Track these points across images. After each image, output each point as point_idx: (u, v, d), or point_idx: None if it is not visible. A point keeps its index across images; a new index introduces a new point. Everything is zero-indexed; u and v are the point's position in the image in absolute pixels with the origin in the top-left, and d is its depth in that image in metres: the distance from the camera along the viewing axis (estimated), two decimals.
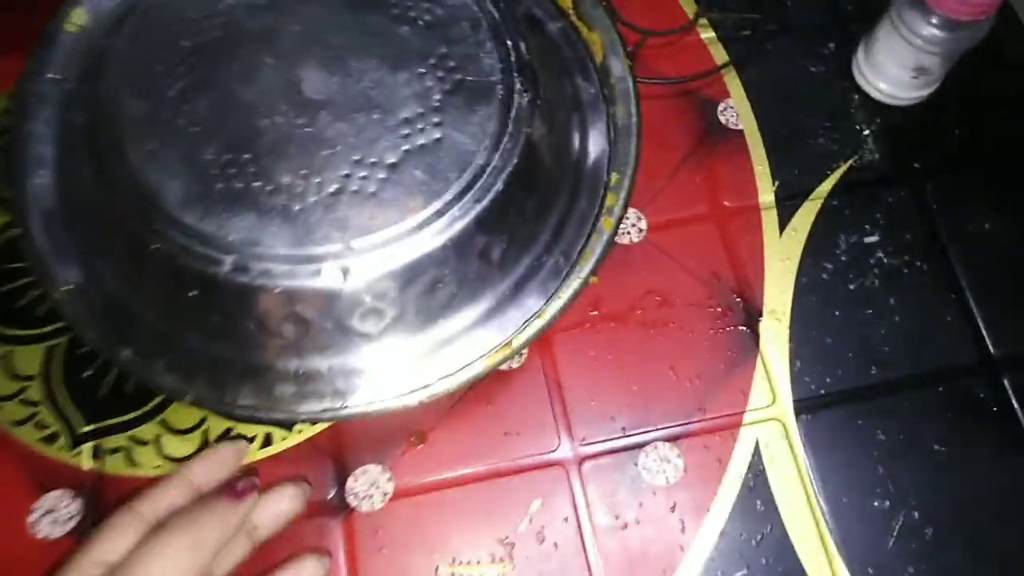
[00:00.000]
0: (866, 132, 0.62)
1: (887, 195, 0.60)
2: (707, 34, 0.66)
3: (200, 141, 0.44)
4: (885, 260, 0.58)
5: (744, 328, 0.56)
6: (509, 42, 0.47)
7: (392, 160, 0.44)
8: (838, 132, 0.62)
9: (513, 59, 0.47)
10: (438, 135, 0.45)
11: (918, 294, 0.57)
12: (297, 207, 0.43)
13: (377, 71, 0.46)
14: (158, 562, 0.39)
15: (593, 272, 0.48)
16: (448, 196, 0.43)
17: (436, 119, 0.45)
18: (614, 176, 0.50)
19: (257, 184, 0.43)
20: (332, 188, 0.43)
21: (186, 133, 0.44)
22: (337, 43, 0.47)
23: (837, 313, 0.57)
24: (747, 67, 0.64)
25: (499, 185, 0.44)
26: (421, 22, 0.48)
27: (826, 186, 0.60)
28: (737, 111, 0.63)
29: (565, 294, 0.47)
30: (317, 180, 0.43)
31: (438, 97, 0.45)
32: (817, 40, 0.66)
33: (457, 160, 0.44)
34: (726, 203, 0.60)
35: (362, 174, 0.43)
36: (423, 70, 0.46)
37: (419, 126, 0.45)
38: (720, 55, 0.65)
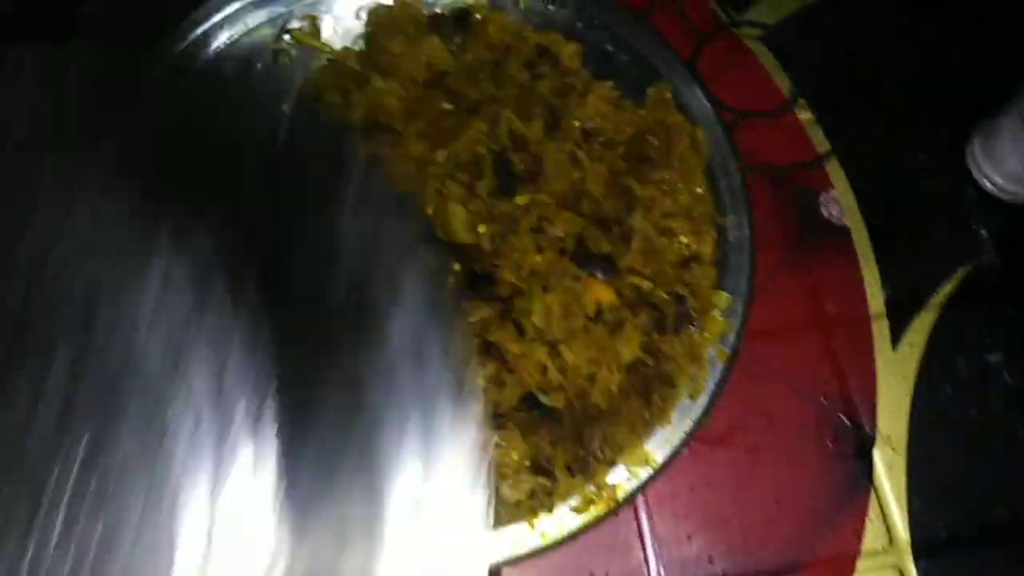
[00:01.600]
0: (984, 233, 0.56)
1: (1010, 307, 0.55)
2: (804, 115, 0.60)
3: None
4: (1010, 381, 0.52)
5: (856, 458, 0.51)
6: None
7: None
8: (953, 231, 0.57)
9: None
10: None
11: None
12: None
13: None
14: None
15: (707, 412, 0.42)
16: None
17: None
18: (724, 297, 0.44)
19: None
20: None
21: None
22: None
23: (958, 443, 0.51)
24: (849, 153, 0.59)
25: None
26: None
27: (942, 294, 0.55)
28: (841, 204, 0.57)
29: (676, 438, 0.41)
30: None
31: None
32: (926, 124, 0.60)
33: None
34: (831, 310, 0.54)
35: None
36: None
37: None
38: (819, 138, 0.60)
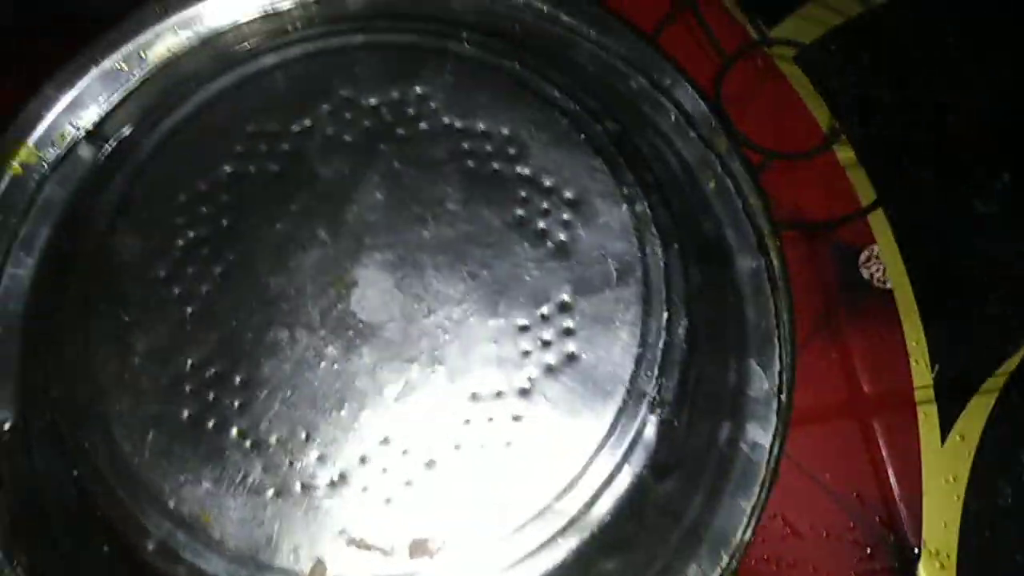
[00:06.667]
0: None
1: None
2: (845, 154, 0.52)
3: (186, 331, 0.32)
4: None
5: (897, 574, 0.43)
6: (665, 315, 0.34)
7: (434, 458, 0.32)
8: (1015, 298, 0.49)
9: (659, 353, 0.34)
10: (509, 437, 0.33)
11: None
12: (271, 490, 0.31)
13: (460, 305, 0.33)
14: None
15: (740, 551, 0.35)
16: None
17: (515, 411, 0.33)
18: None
19: (234, 430, 0.32)
20: (337, 471, 0.31)
21: (174, 310, 0.33)
22: (423, 239, 0.34)
23: (1019, 557, 0.44)
24: (896, 202, 0.50)
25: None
26: (551, 243, 0.35)
27: (1001, 375, 0.47)
28: (884, 263, 0.49)
29: None
30: (317, 454, 0.31)
31: (531, 375, 0.33)
32: (986, 169, 0.52)
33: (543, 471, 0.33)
34: (869, 391, 0.47)
35: (388, 464, 0.32)
36: (525, 322, 0.34)
37: (489, 414, 0.33)
38: (861, 182, 0.51)
